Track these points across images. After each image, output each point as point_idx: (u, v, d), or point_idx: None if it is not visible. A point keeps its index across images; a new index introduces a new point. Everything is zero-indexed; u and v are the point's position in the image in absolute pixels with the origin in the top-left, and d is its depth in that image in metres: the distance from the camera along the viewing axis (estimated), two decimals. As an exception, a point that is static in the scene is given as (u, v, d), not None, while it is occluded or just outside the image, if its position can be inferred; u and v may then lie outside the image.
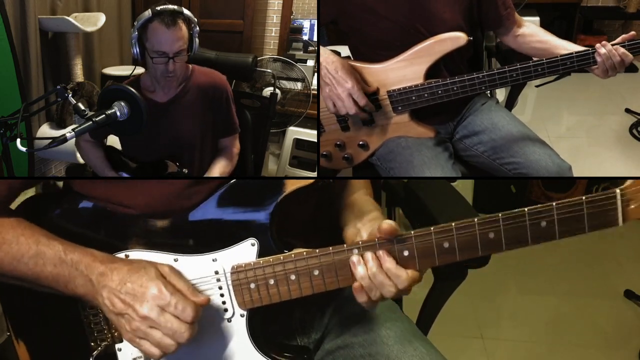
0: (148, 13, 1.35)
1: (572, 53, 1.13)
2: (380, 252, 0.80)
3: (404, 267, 0.80)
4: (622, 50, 1.10)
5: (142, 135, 1.47)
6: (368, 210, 0.94)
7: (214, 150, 1.57)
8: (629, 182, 0.75)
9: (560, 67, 1.13)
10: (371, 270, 0.80)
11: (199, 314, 0.78)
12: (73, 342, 0.91)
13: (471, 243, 0.78)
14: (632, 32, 1.11)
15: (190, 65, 1.51)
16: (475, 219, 0.77)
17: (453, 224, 0.78)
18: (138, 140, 1.50)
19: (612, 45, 1.10)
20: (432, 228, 0.79)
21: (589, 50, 1.12)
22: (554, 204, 0.75)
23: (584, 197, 0.75)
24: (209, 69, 1.54)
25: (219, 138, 1.57)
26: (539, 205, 0.76)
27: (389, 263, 0.80)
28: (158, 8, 1.34)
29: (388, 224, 0.80)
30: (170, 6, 1.36)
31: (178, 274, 0.82)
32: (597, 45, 1.11)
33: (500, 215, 0.77)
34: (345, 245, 0.82)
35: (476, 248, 0.78)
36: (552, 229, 0.76)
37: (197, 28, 1.42)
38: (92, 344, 0.90)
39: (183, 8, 1.38)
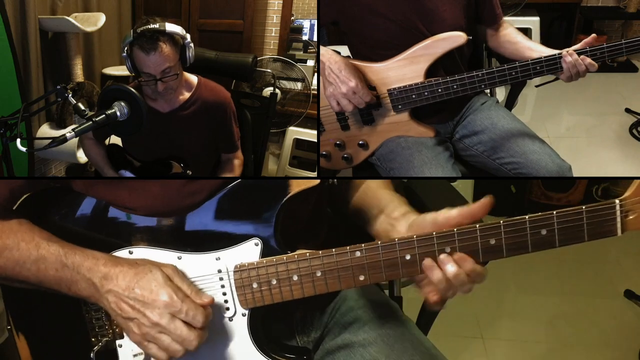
0: (130, 35, 1.32)
1: (554, 54, 1.14)
2: (462, 255, 0.79)
3: (406, 272, 0.80)
4: (589, 60, 1.11)
5: (142, 143, 1.47)
6: (396, 204, 0.93)
7: (213, 161, 1.57)
8: (628, 193, 0.76)
9: (559, 66, 1.14)
10: (451, 273, 0.78)
11: (208, 318, 0.78)
12: (73, 336, 0.91)
13: (472, 249, 0.79)
14: (593, 35, 1.13)
15: (195, 77, 1.48)
16: (477, 225, 0.78)
17: (455, 230, 0.79)
18: (138, 147, 1.50)
19: (576, 50, 1.12)
20: (434, 233, 0.79)
21: (555, 55, 1.13)
22: (554, 212, 0.77)
23: (584, 207, 0.76)
24: (215, 84, 1.51)
25: (219, 152, 1.56)
26: (539, 214, 0.77)
27: (471, 264, 0.79)
28: (139, 30, 1.31)
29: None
30: (151, 26, 1.31)
31: (181, 275, 0.82)
32: (564, 52, 1.12)
33: (501, 222, 0.78)
34: (347, 247, 0.82)
35: (477, 254, 0.79)
36: (552, 237, 0.77)
37: (188, 39, 1.38)
38: (93, 339, 0.90)
39: (167, 24, 1.33)
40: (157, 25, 1.31)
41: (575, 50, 1.12)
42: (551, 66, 1.14)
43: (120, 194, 0.86)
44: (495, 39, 1.33)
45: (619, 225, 0.77)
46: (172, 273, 0.81)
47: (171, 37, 1.34)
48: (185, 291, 0.79)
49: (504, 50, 1.31)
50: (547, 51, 1.19)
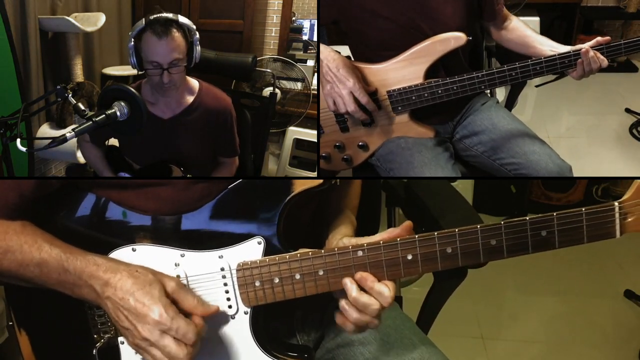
0: (142, 22, 1.31)
1: (569, 51, 1.13)
2: (359, 275, 0.81)
3: (407, 272, 0.81)
4: (602, 57, 1.11)
5: (142, 148, 1.46)
6: (339, 224, 0.96)
7: (212, 166, 1.57)
8: (627, 195, 0.77)
9: (558, 66, 1.14)
10: (351, 295, 0.80)
11: (200, 335, 0.78)
12: (76, 333, 0.91)
13: (473, 249, 0.79)
14: (607, 37, 1.12)
15: (196, 81, 1.47)
16: (478, 226, 0.79)
17: (456, 230, 0.79)
18: (137, 152, 1.49)
19: (591, 47, 1.11)
20: (435, 233, 0.80)
21: (570, 52, 1.13)
22: (554, 214, 0.78)
23: (583, 209, 0.77)
24: (216, 90, 1.49)
25: (218, 156, 1.57)
26: (540, 215, 0.78)
27: (370, 282, 0.80)
28: (151, 17, 1.30)
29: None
30: (164, 14, 1.31)
31: (186, 288, 0.82)
32: (583, 49, 1.11)
33: (502, 223, 0.78)
34: (350, 247, 0.82)
35: (478, 254, 0.80)
36: (552, 238, 0.78)
37: (197, 36, 1.37)
38: (95, 336, 0.90)
39: (179, 16, 1.33)
40: (170, 15, 1.32)
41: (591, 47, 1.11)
42: (564, 64, 1.13)
43: (129, 196, 0.86)
44: (500, 34, 1.32)
45: (617, 227, 0.78)
46: (175, 288, 0.80)
47: (183, 29, 1.34)
48: (190, 306, 0.79)
49: (511, 44, 1.30)
50: (556, 45, 1.18)
